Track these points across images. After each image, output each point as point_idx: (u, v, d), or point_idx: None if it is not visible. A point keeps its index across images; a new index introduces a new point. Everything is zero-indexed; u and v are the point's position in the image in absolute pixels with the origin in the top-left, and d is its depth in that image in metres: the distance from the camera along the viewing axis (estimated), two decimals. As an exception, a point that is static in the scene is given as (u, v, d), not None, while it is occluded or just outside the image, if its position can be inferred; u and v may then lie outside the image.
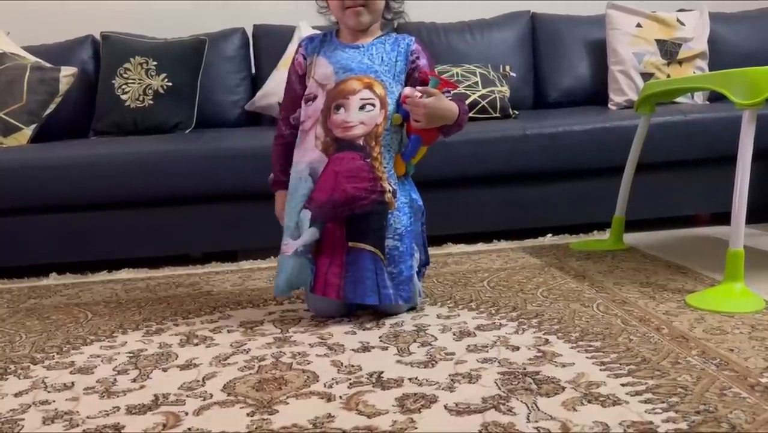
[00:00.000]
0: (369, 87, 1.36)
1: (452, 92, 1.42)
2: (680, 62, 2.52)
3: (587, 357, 1.12)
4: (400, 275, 1.37)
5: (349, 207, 1.34)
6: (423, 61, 1.42)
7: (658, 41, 2.53)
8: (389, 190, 1.36)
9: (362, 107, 1.35)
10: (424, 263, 1.49)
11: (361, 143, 1.35)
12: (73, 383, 1.14)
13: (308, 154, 1.38)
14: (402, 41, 1.42)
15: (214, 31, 2.60)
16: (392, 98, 1.37)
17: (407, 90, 1.36)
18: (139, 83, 2.42)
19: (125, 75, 2.43)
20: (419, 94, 1.32)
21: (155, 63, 2.43)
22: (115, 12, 2.72)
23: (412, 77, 1.41)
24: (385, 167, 1.36)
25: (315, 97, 1.39)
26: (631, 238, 2.01)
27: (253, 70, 2.67)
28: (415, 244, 1.42)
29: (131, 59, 2.44)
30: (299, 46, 1.46)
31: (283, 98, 1.50)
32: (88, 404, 1.06)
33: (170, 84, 2.41)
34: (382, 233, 1.36)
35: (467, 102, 2.28)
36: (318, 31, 1.49)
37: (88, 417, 1.00)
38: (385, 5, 1.42)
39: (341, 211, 1.34)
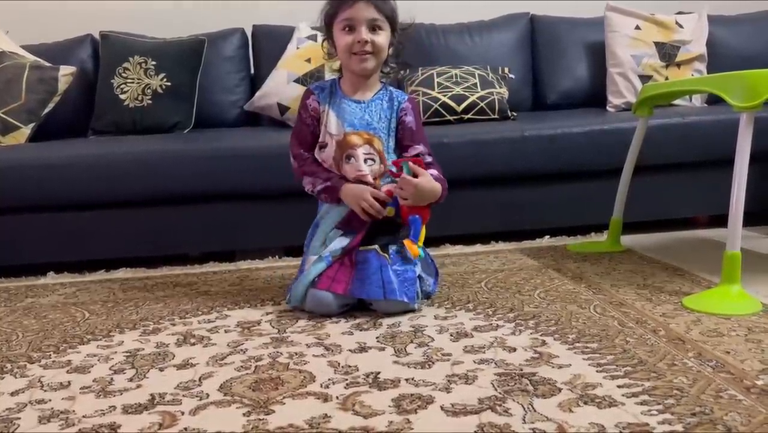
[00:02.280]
0: (369, 143, 1.49)
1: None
2: (678, 65, 2.52)
3: (584, 359, 1.12)
4: (405, 273, 1.43)
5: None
6: (409, 118, 1.53)
7: (656, 44, 2.54)
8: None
9: (365, 161, 1.48)
10: (432, 289, 1.54)
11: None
12: (69, 382, 1.14)
13: None
14: (396, 99, 1.54)
15: (214, 31, 2.60)
16: (387, 151, 1.51)
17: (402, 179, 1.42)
18: (138, 83, 2.42)
19: (124, 74, 2.43)
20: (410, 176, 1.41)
21: (154, 63, 2.43)
22: (115, 11, 2.72)
23: (397, 129, 1.53)
24: (388, 205, 1.49)
25: (326, 145, 1.51)
26: (628, 240, 2.01)
27: (252, 71, 2.67)
28: (423, 270, 1.50)
29: (130, 59, 2.44)
30: (310, 92, 1.54)
31: (297, 136, 1.56)
32: (85, 403, 1.06)
33: (169, 84, 2.41)
34: (388, 239, 1.46)
35: (465, 104, 2.29)
36: (324, 81, 1.64)
37: (84, 417, 1.00)
38: (386, 59, 1.51)
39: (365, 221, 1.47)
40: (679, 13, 2.67)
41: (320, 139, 1.52)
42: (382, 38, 1.46)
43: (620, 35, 2.56)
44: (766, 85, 1.36)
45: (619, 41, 2.55)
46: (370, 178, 1.48)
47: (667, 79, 2.49)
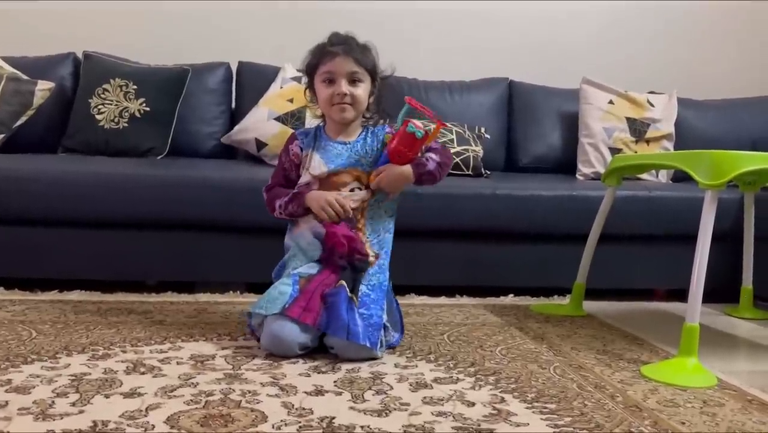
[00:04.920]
0: (357, 179, 1.52)
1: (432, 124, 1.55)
2: (647, 141, 2.61)
3: (542, 418, 1.11)
4: (371, 318, 1.43)
5: (347, 257, 1.46)
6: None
7: (628, 119, 2.63)
8: (371, 255, 1.50)
9: (352, 189, 1.51)
10: (396, 342, 1.52)
11: (351, 216, 1.50)
12: (7, 402, 1.08)
13: (308, 223, 1.51)
14: (379, 132, 1.57)
15: (199, 62, 2.61)
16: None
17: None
18: (116, 105, 2.39)
19: (103, 95, 2.41)
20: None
21: (135, 87, 2.42)
22: (103, 36, 2.70)
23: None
24: (368, 237, 1.51)
25: (308, 184, 1.53)
26: (590, 306, 2.03)
27: (233, 105, 2.68)
28: (388, 318, 1.49)
29: (111, 80, 2.42)
30: (294, 137, 1.59)
31: (274, 176, 1.60)
32: (21, 424, 1.00)
33: (148, 109, 2.40)
34: (359, 280, 1.46)
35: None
36: (308, 128, 1.70)
37: (18, 439, 0.95)
38: (366, 106, 1.55)
39: (339, 258, 1.46)
40: (651, 92, 2.78)
41: (301, 180, 1.54)
42: (361, 90, 1.51)
43: (594, 108, 2.65)
44: (732, 165, 1.42)
45: (592, 113, 2.64)
46: (348, 202, 1.49)
47: (636, 153, 2.57)
